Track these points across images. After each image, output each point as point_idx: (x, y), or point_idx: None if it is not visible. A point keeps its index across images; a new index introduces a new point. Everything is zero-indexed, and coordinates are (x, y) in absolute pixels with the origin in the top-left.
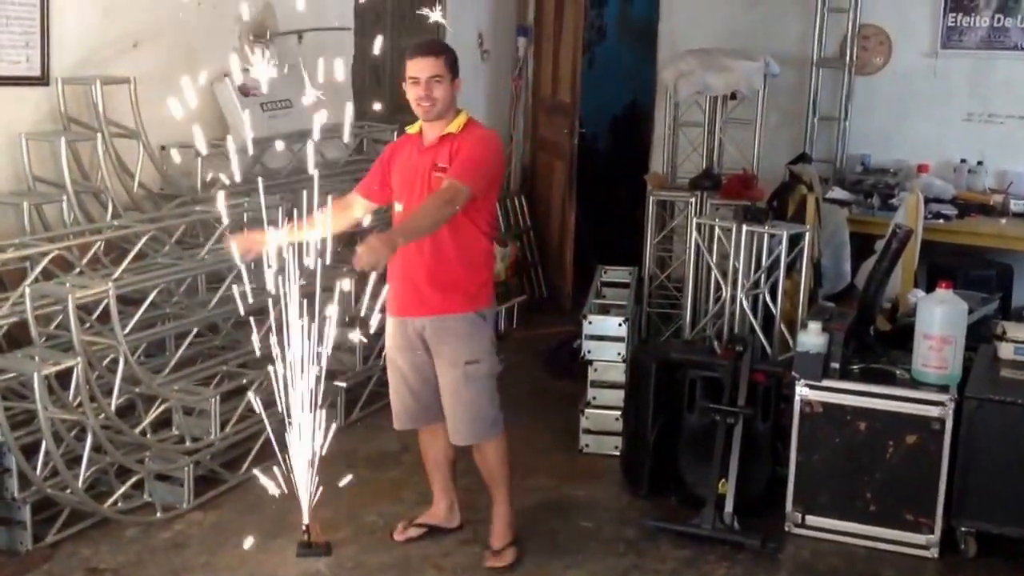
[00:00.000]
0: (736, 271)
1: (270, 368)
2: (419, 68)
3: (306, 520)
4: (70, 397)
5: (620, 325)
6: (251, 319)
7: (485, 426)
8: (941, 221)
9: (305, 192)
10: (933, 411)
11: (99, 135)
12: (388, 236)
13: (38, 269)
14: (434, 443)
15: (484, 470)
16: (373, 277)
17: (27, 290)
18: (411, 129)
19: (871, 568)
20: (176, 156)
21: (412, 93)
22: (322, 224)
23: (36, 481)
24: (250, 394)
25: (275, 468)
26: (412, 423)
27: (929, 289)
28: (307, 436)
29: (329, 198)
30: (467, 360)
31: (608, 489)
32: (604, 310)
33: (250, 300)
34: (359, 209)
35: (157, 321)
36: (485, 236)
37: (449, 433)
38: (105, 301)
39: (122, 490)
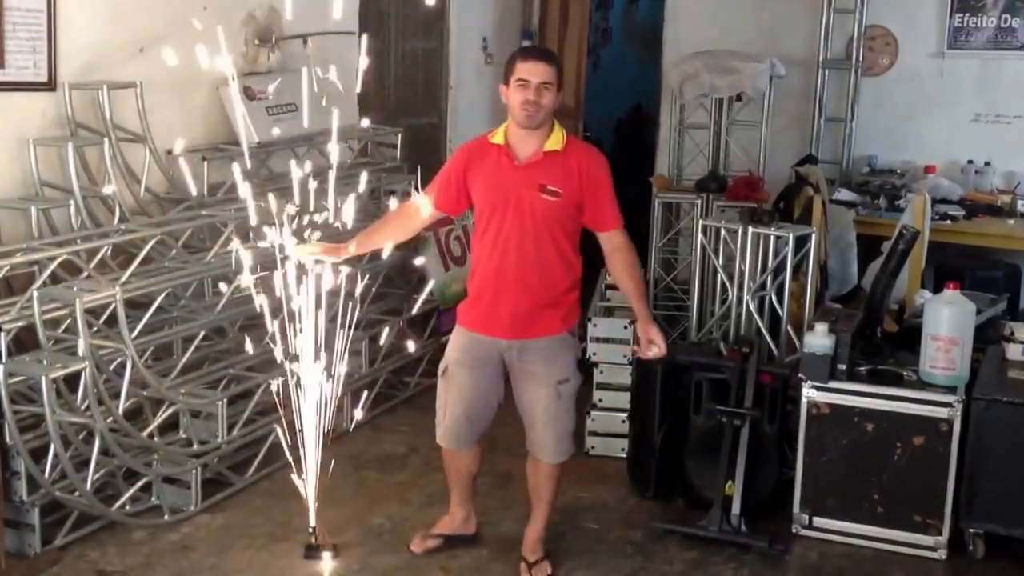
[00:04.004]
0: (742, 273)
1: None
2: (531, 71)
3: (313, 522)
4: (78, 401)
5: (626, 327)
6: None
7: (569, 443)
8: (948, 222)
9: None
10: (941, 412)
11: (106, 140)
12: (653, 324)
13: (46, 273)
14: (462, 460)
15: (533, 482)
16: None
17: (35, 294)
18: (495, 139)
19: (879, 570)
20: (182, 160)
21: (518, 96)
22: (384, 237)
23: (44, 484)
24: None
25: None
26: (458, 444)
27: (936, 290)
28: (314, 439)
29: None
30: (559, 379)
31: (615, 491)
32: (609, 312)
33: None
34: (426, 217)
35: (164, 325)
36: (579, 257)
37: (536, 451)
38: (113, 305)
39: (130, 493)
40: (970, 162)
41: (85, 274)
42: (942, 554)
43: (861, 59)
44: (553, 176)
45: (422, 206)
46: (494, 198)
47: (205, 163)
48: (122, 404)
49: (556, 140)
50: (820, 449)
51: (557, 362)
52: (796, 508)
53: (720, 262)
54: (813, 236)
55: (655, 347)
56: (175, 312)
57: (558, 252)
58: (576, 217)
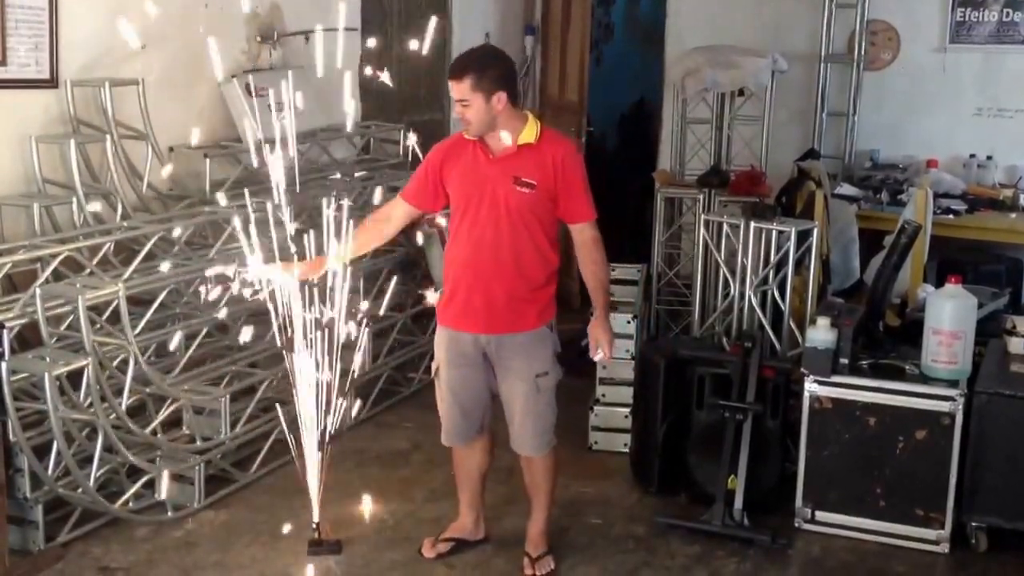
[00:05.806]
0: (744, 268)
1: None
2: (452, 89)
3: (316, 518)
4: (81, 397)
5: (629, 322)
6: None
7: (549, 437)
8: (950, 216)
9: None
10: (943, 406)
11: (108, 137)
12: (606, 320)
13: (48, 270)
14: (471, 457)
15: (529, 478)
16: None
17: (38, 291)
18: (469, 134)
19: (881, 563)
20: (185, 157)
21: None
22: (351, 248)
23: (48, 481)
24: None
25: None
26: (459, 440)
27: (938, 284)
28: (317, 435)
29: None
30: (537, 373)
31: (618, 486)
32: (612, 307)
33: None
34: (401, 218)
35: (167, 321)
36: (557, 251)
37: (518, 446)
38: (115, 302)
39: (133, 489)
40: (972, 156)
41: (88, 271)
42: (944, 548)
43: (863, 54)
44: (527, 168)
45: (396, 207)
46: (469, 192)
47: (207, 160)
48: (125, 401)
49: (530, 133)
50: (822, 443)
51: (535, 356)
52: (799, 502)
53: (722, 257)
54: (815, 231)
55: (600, 352)
56: (177, 309)
57: (534, 246)
58: (552, 210)
